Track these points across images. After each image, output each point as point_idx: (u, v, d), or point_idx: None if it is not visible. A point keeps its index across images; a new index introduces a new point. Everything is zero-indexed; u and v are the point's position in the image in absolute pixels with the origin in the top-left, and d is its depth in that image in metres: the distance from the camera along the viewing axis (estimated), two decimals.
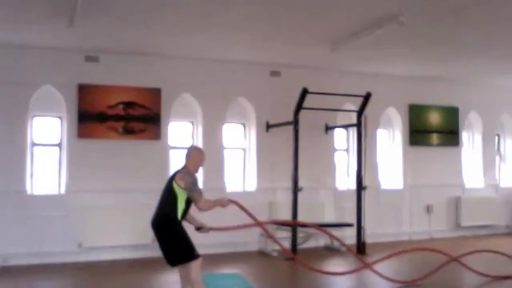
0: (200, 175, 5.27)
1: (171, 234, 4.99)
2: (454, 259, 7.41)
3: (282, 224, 8.89)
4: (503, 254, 8.04)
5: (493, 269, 7.33)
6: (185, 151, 5.33)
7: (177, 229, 4.98)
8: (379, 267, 7.17)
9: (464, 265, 7.35)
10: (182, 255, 5.00)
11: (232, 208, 5.33)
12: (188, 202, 5.06)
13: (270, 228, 9.06)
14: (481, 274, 7.15)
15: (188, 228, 5.15)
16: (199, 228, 5.29)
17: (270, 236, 6.63)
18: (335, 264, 8.39)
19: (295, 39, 7.98)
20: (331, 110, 9.61)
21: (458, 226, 11.30)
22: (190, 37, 7.84)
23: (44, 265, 7.95)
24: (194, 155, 5.26)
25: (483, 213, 11.39)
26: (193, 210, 5.17)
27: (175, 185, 5.00)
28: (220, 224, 5.72)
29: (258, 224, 5.88)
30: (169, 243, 5.01)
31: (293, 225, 8.60)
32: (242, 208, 5.53)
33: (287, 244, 8.79)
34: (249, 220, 5.71)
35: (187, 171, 5.09)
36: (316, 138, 9.92)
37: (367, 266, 7.04)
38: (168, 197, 5.03)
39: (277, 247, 9.04)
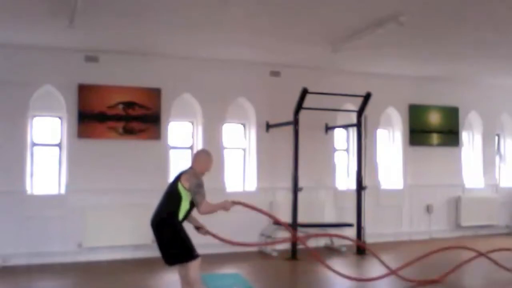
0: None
1: (171, 234, 4.96)
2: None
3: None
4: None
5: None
6: (194, 153, 5.30)
7: (177, 229, 4.96)
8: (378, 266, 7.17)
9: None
10: (181, 255, 4.98)
11: (235, 209, 5.28)
12: (193, 204, 5.04)
13: (271, 227, 9.16)
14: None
15: (189, 227, 5.15)
16: (198, 228, 5.30)
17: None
18: (335, 265, 8.36)
19: (295, 39, 7.98)
20: (331, 110, 9.61)
21: (458, 226, 11.29)
22: (190, 36, 7.84)
23: (44, 265, 7.94)
24: (203, 160, 5.21)
25: (483, 213, 11.38)
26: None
27: (180, 186, 4.97)
28: (217, 233, 5.60)
29: (253, 244, 5.71)
30: (168, 242, 4.98)
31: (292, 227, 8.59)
32: (247, 206, 5.54)
33: (287, 244, 8.84)
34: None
35: (194, 173, 5.06)
36: (316, 138, 9.92)
37: (394, 271, 6.94)
38: (172, 197, 5.01)
39: (277, 248, 9.10)
